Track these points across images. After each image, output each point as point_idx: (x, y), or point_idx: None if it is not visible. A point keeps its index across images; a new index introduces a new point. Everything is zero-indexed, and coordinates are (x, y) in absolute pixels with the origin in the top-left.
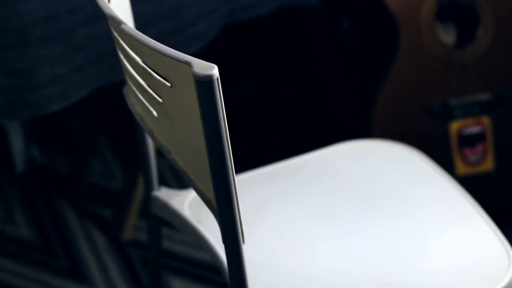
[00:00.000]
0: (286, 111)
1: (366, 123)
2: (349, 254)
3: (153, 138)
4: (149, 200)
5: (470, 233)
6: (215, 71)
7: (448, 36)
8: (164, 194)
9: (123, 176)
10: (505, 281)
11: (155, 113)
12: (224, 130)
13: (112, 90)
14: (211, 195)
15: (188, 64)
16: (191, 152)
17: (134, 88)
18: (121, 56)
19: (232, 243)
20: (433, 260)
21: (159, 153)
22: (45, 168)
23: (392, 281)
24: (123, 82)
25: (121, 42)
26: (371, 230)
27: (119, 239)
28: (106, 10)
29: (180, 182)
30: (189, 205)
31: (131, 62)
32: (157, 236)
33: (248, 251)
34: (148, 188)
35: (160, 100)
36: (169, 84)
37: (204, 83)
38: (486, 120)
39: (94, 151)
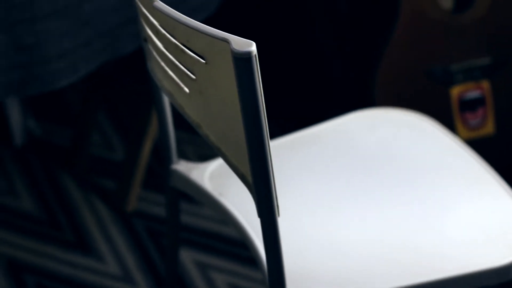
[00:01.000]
0: (284, 78)
1: (368, 88)
2: (374, 223)
3: (184, 113)
4: (168, 173)
5: (490, 199)
6: (253, 47)
7: (447, 1)
8: (183, 167)
9: (124, 147)
10: None
11: (186, 89)
12: (261, 106)
13: (110, 64)
14: (245, 169)
15: (226, 41)
16: (225, 127)
17: (163, 64)
18: (150, 33)
19: (268, 216)
20: (455, 226)
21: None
22: (44, 141)
23: (416, 246)
24: (126, 56)
25: (151, 19)
26: (393, 198)
27: (123, 210)
28: None
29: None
30: (209, 177)
31: (161, 38)
32: (176, 209)
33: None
34: (167, 161)
35: (193, 76)
36: (203, 61)
37: (243, 59)
38: (486, 84)
39: (93, 123)
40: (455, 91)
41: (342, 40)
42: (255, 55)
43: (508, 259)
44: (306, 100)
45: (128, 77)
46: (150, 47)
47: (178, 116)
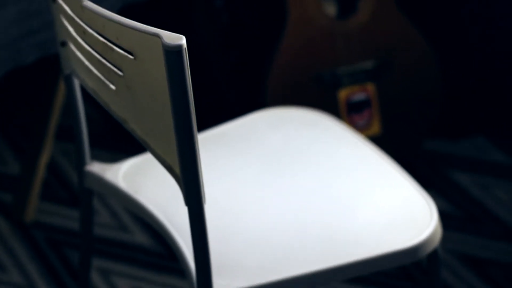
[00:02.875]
0: None
1: (259, 95)
2: (286, 213)
3: (109, 109)
4: (81, 174)
5: (392, 188)
6: (183, 41)
7: (332, 7)
8: (97, 168)
9: (17, 160)
10: (430, 229)
11: (112, 86)
12: (191, 98)
13: None
14: (172, 160)
15: (157, 35)
16: (152, 120)
17: (87, 64)
18: (74, 34)
19: (197, 203)
20: (360, 215)
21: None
22: None
23: (328, 233)
24: (25, 66)
25: (77, 20)
26: (303, 190)
27: (22, 222)
28: None
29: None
30: (123, 177)
31: (88, 38)
32: (90, 211)
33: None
34: (81, 163)
35: (120, 73)
36: (132, 57)
37: (174, 52)
38: (370, 87)
39: None
40: (343, 94)
41: (227, 48)
42: (185, 48)
43: (415, 240)
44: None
45: (22, 90)
46: (73, 48)
47: None
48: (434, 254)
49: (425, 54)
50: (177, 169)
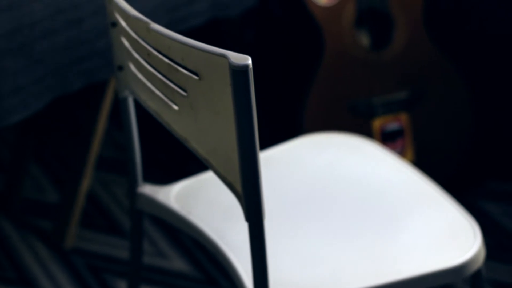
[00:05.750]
0: None
1: (296, 124)
2: (334, 236)
3: (171, 129)
4: (133, 196)
5: (436, 209)
6: (249, 61)
7: (367, 39)
8: (149, 190)
9: (55, 189)
10: (474, 249)
11: (175, 106)
12: (255, 116)
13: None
14: (234, 178)
15: (224, 56)
16: (215, 139)
17: (150, 85)
18: (137, 57)
19: (257, 220)
20: (406, 236)
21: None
22: None
23: (375, 254)
24: (69, 95)
25: (142, 42)
26: (345, 212)
27: (61, 248)
28: (131, 12)
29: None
30: (175, 198)
31: (153, 60)
32: (140, 231)
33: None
34: (133, 185)
35: (184, 93)
36: (196, 77)
37: (241, 72)
38: (404, 116)
39: (25, 167)
40: (377, 123)
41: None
42: (251, 68)
43: (460, 259)
44: None
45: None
46: (133, 71)
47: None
48: (478, 273)
49: (456, 84)
50: (238, 186)
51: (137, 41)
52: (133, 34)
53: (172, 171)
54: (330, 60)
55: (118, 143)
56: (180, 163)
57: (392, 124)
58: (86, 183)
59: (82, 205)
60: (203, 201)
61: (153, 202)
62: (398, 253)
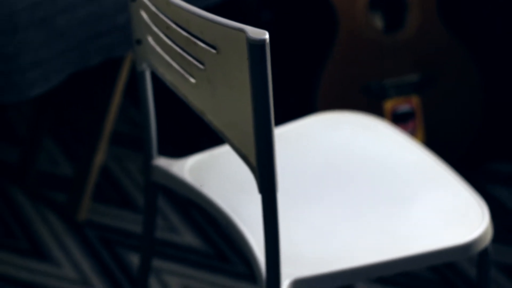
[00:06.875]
0: None
1: (309, 103)
2: (347, 212)
3: (188, 101)
4: (148, 169)
5: (446, 189)
6: (267, 36)
7: (380, 21)
8: (164, 162)
9: (68, 162)
10: (482, 227)
11: (192, 79)
12: (270, 90)
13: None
14: (248, 150)
15: (242, 30)
16: (231, 112)
17: (168, 58)
18: (156, 30)
19: (270, 192)
20: (416, 213)
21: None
22: None
23: (387, 230)
24: (92, 68)
25: (161, 16)
26: (357, 188)
27: (75, 221)
28: None
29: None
30: (189, 171)
31: (172, 33)
32: (154, 204)
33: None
34: (148, 157)
35: (202, 66)
36: (214, 51)
37: (258, 46)
38: (415, 99)
39: (39, 141)
40: (389, 105)
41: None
42: (268, 43)
43: (468, 237)
44: None
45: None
46: (151, 44)
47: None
48: (484, 252)
49: (468, 68)
50: (253, 159)
51: (156, 15)
52: (152, 8)
53: (184, 148)
54: (344, 41)
55: (132, 119)
56: (193, 140)
57: (403, 106)
58: (100, 158)
59: (95, 179)
60: (216, 175)
61: (167, 175)
62: (408, 230)
